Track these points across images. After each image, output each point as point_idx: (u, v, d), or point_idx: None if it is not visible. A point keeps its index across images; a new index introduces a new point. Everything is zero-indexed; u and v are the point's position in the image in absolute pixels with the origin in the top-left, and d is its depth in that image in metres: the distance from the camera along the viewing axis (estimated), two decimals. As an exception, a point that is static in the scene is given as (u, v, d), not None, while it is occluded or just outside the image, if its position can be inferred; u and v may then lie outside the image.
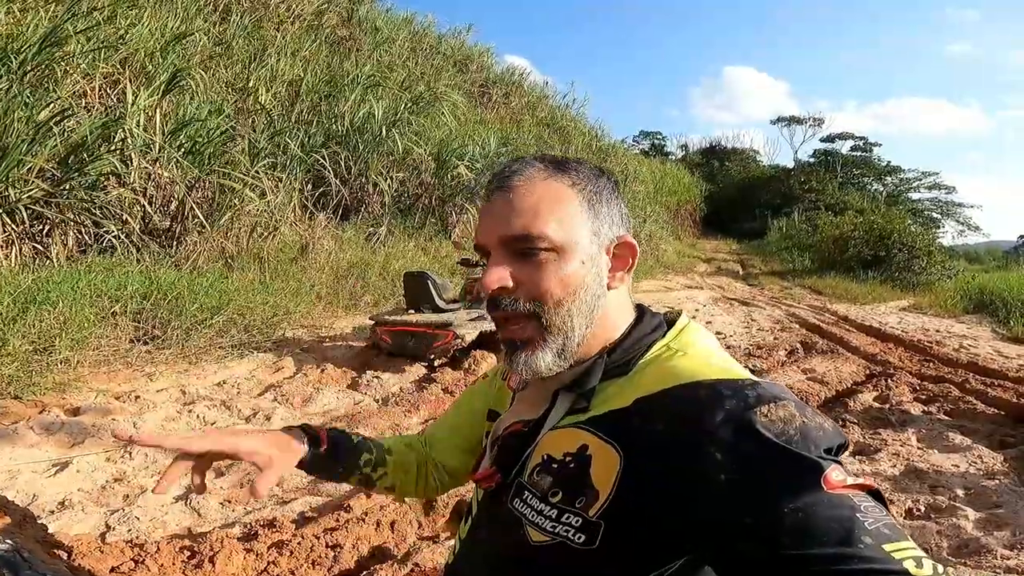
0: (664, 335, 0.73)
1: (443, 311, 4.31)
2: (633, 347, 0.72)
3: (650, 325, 0.75)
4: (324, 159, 7.18)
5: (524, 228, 0.68)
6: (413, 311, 4.39)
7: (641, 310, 0.78)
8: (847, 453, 2.81)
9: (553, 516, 0.65)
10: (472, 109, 12.42)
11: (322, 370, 3.91)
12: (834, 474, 0.56)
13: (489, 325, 4.19)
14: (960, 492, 2.53)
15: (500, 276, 0.69)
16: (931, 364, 5.07)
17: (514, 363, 0.72)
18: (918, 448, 3.06)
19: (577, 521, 0.63)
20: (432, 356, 4.11)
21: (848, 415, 3.60)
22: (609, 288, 0.73)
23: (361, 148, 7.75)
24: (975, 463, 2.85)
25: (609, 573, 0.63)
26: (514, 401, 0.86)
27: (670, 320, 0.77)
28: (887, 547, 0.52)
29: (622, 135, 29.71)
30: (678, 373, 0.66)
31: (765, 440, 0.57)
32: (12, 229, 4.29)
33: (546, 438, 0.71)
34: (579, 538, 0.63)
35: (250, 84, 7.31)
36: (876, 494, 0.59)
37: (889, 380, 4.28)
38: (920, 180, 28.72)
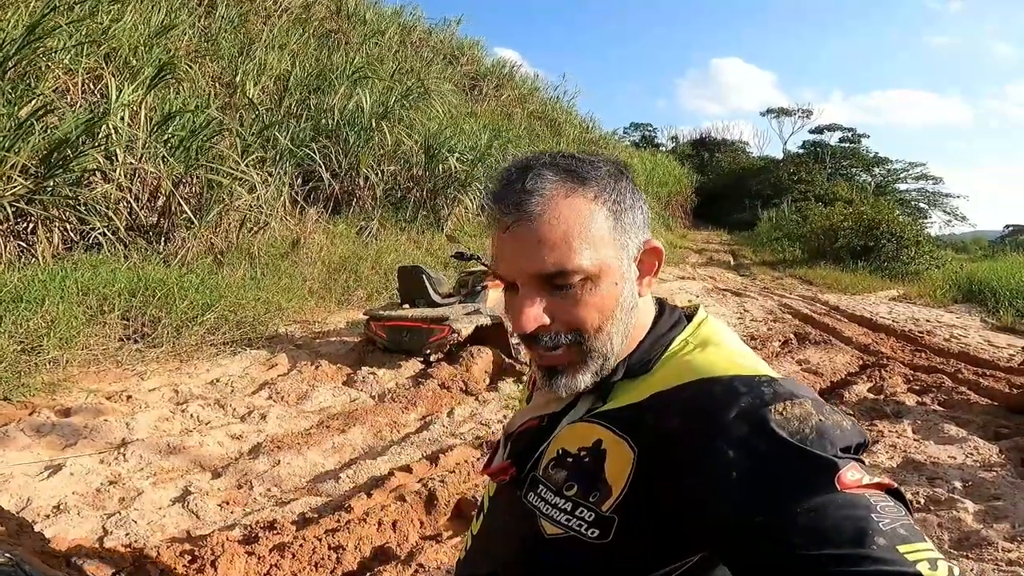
0: (683, 330, 0.73)
1: (438, 305, 4.27)
2: (653, 346, 0.72)
3: (669, 322, 0.75)
4: (314, 153, 7.09)
5: (558, 264, 0.65)
6: (408, 305, 4.35)
7: (661, 306, 0.77)
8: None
9: (568, 509, 0.65)
10: (463, 102, 12.33)
11: (316, 367, 3.87)
12: (849, 474, 0.55)
13: (485, 319, 4.16)
14: (958, 484, 2.54)
15: (536, 316, 0.66)
16: (923, 354, 5.12)
17: (553, 385, 0.70)
18: (914, 440, 3.08)
19: (590, 516, 0.63)
20: (428, 351, 4.08)
21: (844, 407, 3.61)
22: (639, 296, 0.72)
23: (351, 141, 7.67)
24: (972, 454, 2.87)
25: (622, 568, 0.62)
26: (531, 397, 0.85)
27: (688, 314, 0.77)
28: (901, 548, 0.51)
29: (612, 127, 29.69)
30: (694, 368, 0.66)
31: (779, 438, 0.57)
32: (-4, 227, 4.20)
33: (562, 432, 0.71)
34: (592, 532, 0.63)
35: (237, 78, 7.19)
36: (896, 493, 0.58)
37: (883, 371, 4.31)
38: (907, 171, 29.02)
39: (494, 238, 0.69)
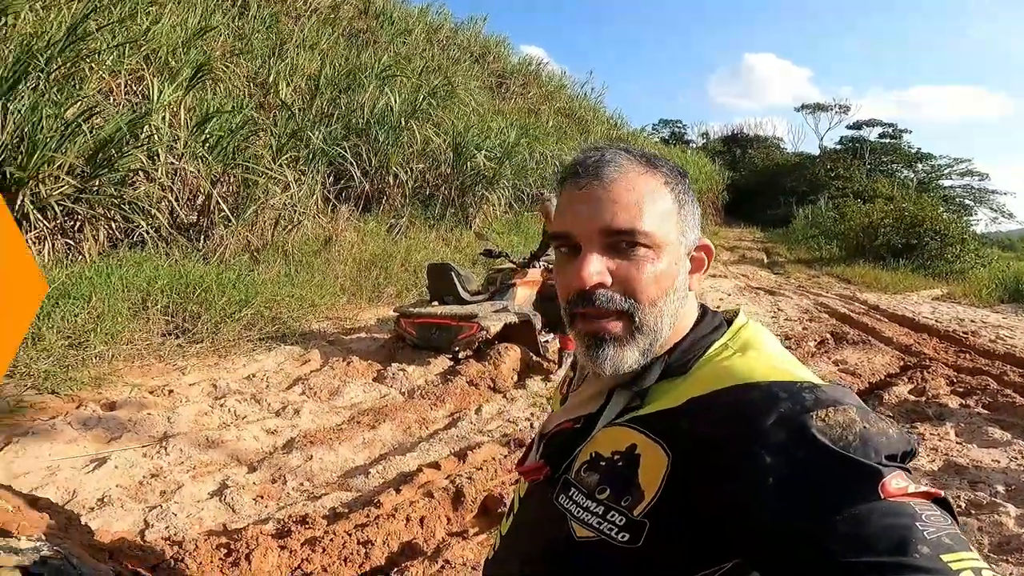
0: (723, 334, 0.73)
1: (467, 303, 4.30)
2: (693, 347, 0.71)
3: (710, 325, 0.75)
4: (345, 152, 7.20)
5: (630, 223, 0.67)
6: (437, 303, 4.39)
7: (703, 309, 0.77)
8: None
9: (599, 513, 0.65)
10: (490, 100, 12.35)
11: (348, 363, 3.93)
12: (894, 482, 0.54)
13: (513, 317, 4.16)
14: (1000, 488, 2.46)
15: (599, 271, 0.67)
16: (967, 355, 4.94)
17: (598, 358, 0.69)
18: (956, 443, 2.98)
19: (621, 520, 0.63)
20: (457, 348, 4.11)
21: (883, 408, 3.52)
22: (689, 290, 0.73)
23: (381, 140, 7.76)
24: (1016, 458, 2.77)
25: (653, 573, 0.62)
26: (566, 401, 0.85)
27: (728, 319, 0.77)
28: (945, 557, 0.49)
29: (640, 123, 29.40)
30: (733, 373, 0.65)
31: (820, 445, 0.55)
32: (44, 225, 4.38)
33: (597, 436, 0.71)
34: (623, 537, 0.62)
35: (270, 79, 7.35)
36: (943, 502, 0.56)
37: (924, 372, 4.18)
38: (952, 167, 27.91)
39: (563, 199, 0.72)
